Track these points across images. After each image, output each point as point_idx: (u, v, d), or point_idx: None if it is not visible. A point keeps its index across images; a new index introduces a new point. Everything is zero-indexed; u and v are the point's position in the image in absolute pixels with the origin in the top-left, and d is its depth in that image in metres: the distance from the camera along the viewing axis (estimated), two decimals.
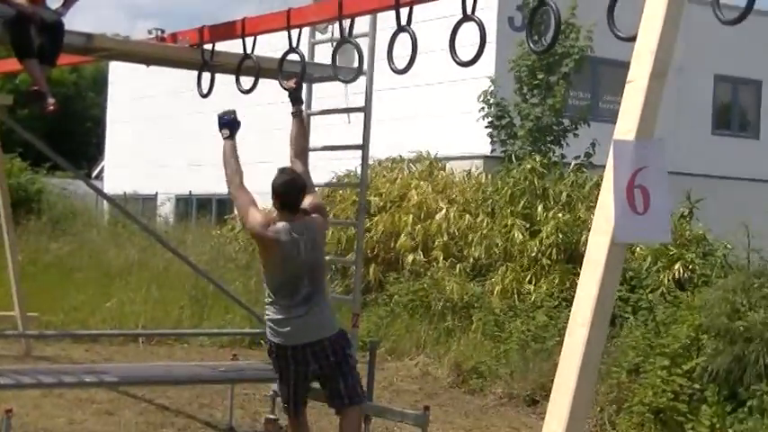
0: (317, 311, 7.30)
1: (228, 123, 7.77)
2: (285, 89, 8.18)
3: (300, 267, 7.23)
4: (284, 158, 7.86)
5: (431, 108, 24.24)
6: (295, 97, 8.15)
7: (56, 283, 17.30)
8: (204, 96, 8.78)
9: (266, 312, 7.37)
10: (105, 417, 10.11)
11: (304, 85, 9.05)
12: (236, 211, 7.62)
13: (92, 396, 10.78)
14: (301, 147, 7.96)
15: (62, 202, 28.68)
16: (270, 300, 7.33)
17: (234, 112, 7.85)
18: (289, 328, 7.23)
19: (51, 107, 8.13)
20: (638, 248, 14.37)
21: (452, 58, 6.73)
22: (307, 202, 7.47)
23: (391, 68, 7.12)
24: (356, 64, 7.89)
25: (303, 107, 8.31)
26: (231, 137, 7.71)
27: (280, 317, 7.26)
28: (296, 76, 8.15)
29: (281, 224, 7.25)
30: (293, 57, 8.15)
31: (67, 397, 10.66)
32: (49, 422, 9.69)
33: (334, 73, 8.23)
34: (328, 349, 7.30)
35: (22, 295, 13.31)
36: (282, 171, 7.47)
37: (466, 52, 6.67)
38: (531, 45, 7.16)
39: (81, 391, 10.61)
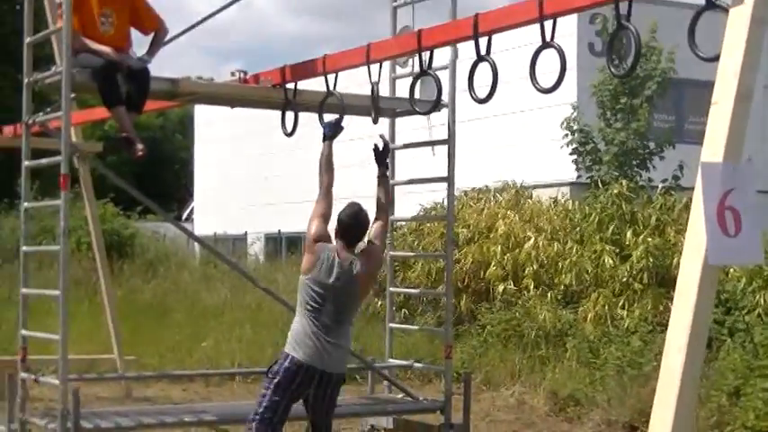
0: (336, 345, 7.32)
1: (329, 125, 7.94)
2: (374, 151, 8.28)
3: (327, 293, 7.26)
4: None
5: (515, 137, 24.22)
6: (381, 161, 8.26)
7: (152, 324, 17.53)
8: (288, 135, 8.87)
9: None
10: None
11: (387, 120, 9.13)
12: None
13: None
14: (383, 206, 7.97)
15: (154, 245, 29.05)
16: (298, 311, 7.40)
17: (339, 123, 7.99)
18: (309, 349, 7.24)
19: (140, 153, 8.26)
20: (731, 270, 14.18)
21: (533, 85, 6.76)
22: (370, 248, 7.57)
23: (472, 98, 7.16)
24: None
25: (388, 171, 8.34)
26: (331, 138, 7.84)
27: (302, 332, 7.29)
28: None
29: (330, 245, 7.37)
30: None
31: None
32: None
33: (412, 106, 8.29)
34: (332, 384, 7.33)
35: (120, 338, 13.52)
36: (352, 204, 7.54)
37: (547, 79, 6.70)
38: (613, 69, 7.16)
39: (182, 430, 10.73)
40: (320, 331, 7.25)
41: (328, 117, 8.28)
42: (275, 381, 7.21)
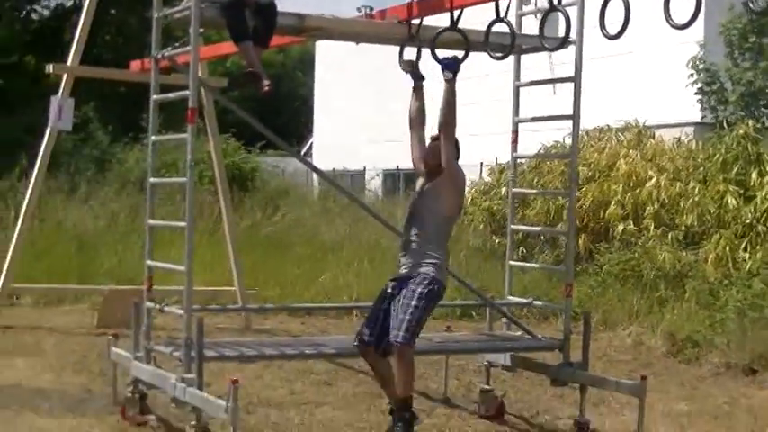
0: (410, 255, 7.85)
1: (450, 66, 7.97)
2: (404, 69, 8.49)
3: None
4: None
5: (638, 76, 23.85)
6: (415, 74, 8.44)
7: (271, 258, 17.77)
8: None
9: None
10: (324, 387, 10.38)
11: (513, 57, 9.08)
12: None
13: (310, 367, 11.06)
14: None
15: (274, 180, 29.37)
16: None
17: (456, 58, 8.05)
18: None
19: (267, 87, 8.31)
20: None
21: (667, 20, 6.64)
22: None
23: (603, 34, 7.06)
24: (563, 33, 7.88)
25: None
26: (452, 80, 7.93)
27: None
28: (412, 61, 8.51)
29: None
30: (500, 27, 8.20)
31: (287, 368, 10.97)
32: (272, 392, 10.00)
33: (541, 42, 8.22)
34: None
35: (240, 270, 13.74)
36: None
37: (676, 18, 6.58)
38: (751, 4, 7.01)
39: (299, 363, 10.90)
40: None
41: (447, 54, 8.27)
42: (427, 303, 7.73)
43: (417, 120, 8.36)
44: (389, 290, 7.91)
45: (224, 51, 11.70)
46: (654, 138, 18.80)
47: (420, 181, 8.17)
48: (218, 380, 9.66)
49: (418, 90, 8.44)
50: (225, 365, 10.06)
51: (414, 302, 7.65)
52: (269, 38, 8.49)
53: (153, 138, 8.62)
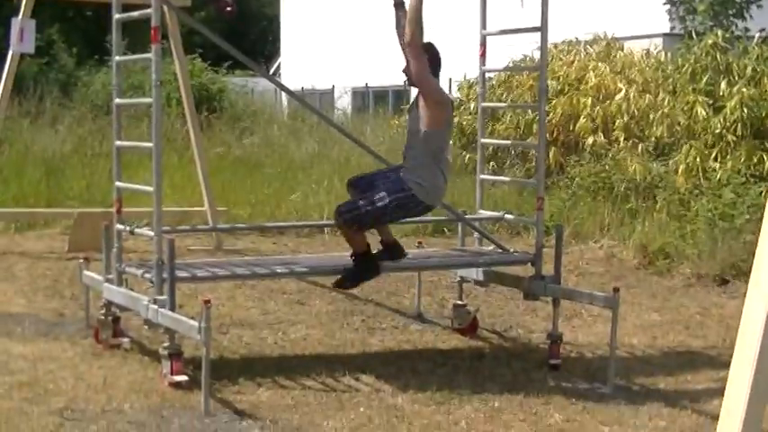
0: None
1: None
2: None
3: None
4: None
5: None
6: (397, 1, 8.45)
7: (241, 178, 17.71)
8: None
9: None
10: (297, 306, 10.38)
11: None
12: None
13: (282, 287, 11.05)
14: (411, 33, 7.99)
15: (242, 100, 29.17)
16: None
17: None
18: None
19: (229, 8, 8.20)
20: None
21: None
22: None
23: None
24: None
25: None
26: None
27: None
28: None
29: None
30: None
31: (259, 288, 10.96)
32: (244, 312, 10.00)
33: None
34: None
35: (210, 191, 13.66)
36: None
37: None
38: None
39: (272, 282, 10.89)
40: None
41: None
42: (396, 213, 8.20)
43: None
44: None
45: None
46: (623, 50, 18.72)
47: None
48: (190, 301, 9.68)
49: (399, 6, 8.44)
50: (197, 287, 10.07)
51: (382, 203, 8.00)
52: None
53: (117, 58, 8.48)
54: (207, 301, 6.85)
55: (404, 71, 8.25)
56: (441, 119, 8.15)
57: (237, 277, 8.67)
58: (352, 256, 8.28)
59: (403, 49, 8.25)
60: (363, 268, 8.27)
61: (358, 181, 8.46)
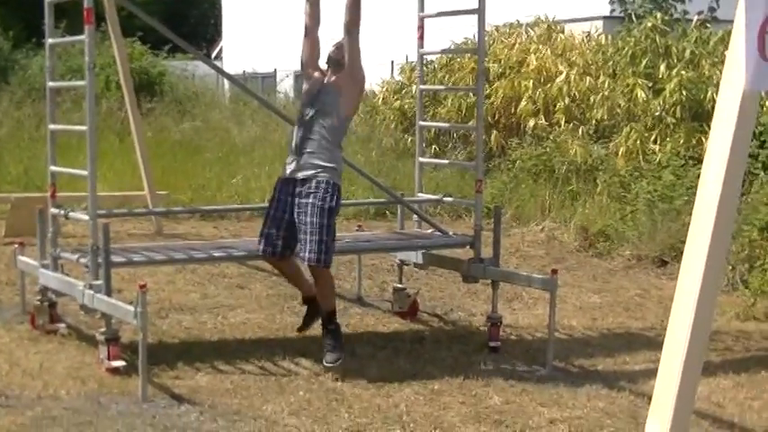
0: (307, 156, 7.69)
1: None
2: None
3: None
4: None
5: None
6: None
7: (182, 163, 17.56)
8: None
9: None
10: (237, 290, 10.31)
11: None
12: None
13: (223, 271, 10.98)
14: (352, 17, 7.83)
15: (183, 84, 28.94)
16: None
17: None
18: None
19: None
20: (767, 102, 14.00)
21: None
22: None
23: None
24: None
25: None
26: None
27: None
28: None
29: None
30: None
31: (199, 273, 10.88)
32: (184, 297, 9.92)
33: None
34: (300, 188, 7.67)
35: (150, 175, 13.53)
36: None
37: None
38: None
39: (212, 266, 10.82)
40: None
41: None
42: (334, 217, 7.67)
43: (310, 23, 8.06)
44: (287, 197, 7.71)
45: None
46: (564, 32, 18.77)
47: (310, 82, 7.93)
48: (129, 286, 9.58)
49: None
50: (137, 272, 9.95)
51: (325, 221, 7.52)
52: None
53: (50, 40, 8.36)
54: (143, 286, 6.78)
55: (332, 55, 7.96)
56: (357, 106, 8.18)
57: (174, 261, 8.60)
58: (325, 322, 7.73)
59: (310, 32, 8.04)
60: (340, 331, 7.79)
61: (282, 251, 7.88)
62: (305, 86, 8.06)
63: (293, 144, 7.78)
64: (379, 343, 8.51)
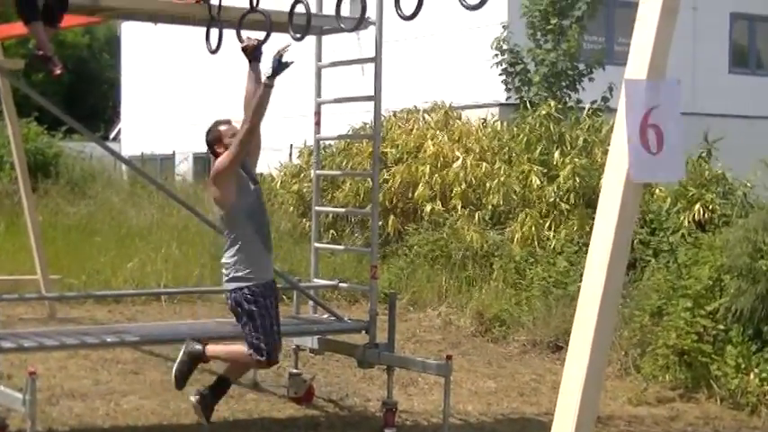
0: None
1: (278, 70, 7.60)
2: (243, 48, 8.06)
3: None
4: None
5: (444, 57, 24.14)
6: (254, 56, 8.05)
7: (77, 246, 17.35)
8: (213, 53, 8.61)
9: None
10: (131, 376, 10.16)
11: (314, 38, 9.01)
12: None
13: (117, 356, 10.83)
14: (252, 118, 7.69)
15: (80, 165, 28.71)
16: None
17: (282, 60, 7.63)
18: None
19: (58, 71, 8.05)
20: (657, 190, 14.32)
21: (460, 1, 6.61)
22: None
23: (398, 15, 6.98)
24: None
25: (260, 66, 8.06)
26: (272, 85, 7.62)
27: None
28: (257, 40, 8.08)
29: None
30: (300, 9, 8.09)
31: (92, 358, 10.71)
32: (75, 383, 9.74)
33: (337, 22, 8.14)
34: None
35: (43, 258, 13.34)
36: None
37: None
38: None
39: (106, 351, 10.66)
40: None
41: (250, 34, 8.13)
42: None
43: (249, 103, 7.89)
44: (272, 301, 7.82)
45: (18, 32, 11.22)
46: (461, 119, 19.02)
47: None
48: (20, 372, 9.37)
49: (255, 71, 8.03)
50: (29, 357, 9.76)
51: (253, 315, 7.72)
52: (60, 17, 8.18)
53: None
54: (32, 373, 6.67)
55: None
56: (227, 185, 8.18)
57: (66, 347, 8.45)
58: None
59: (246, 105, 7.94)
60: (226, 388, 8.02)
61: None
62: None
63: (265, 241, 7.76)
64: (274, 429, 8.45)
